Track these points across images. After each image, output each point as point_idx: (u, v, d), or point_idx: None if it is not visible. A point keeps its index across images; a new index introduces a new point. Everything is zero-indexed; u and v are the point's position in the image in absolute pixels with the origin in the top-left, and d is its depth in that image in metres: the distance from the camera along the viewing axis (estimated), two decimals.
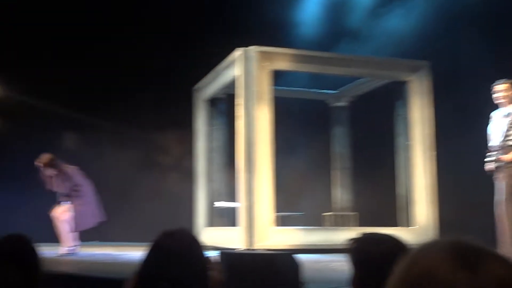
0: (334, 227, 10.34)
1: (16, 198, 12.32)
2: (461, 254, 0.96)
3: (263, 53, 9.23)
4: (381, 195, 11.22)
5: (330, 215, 11.16)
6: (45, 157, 8.59)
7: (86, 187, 8.77)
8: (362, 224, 10.43)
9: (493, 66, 9.48)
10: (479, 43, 10.55)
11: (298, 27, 11.41)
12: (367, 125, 11.85)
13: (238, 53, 9.33)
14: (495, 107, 6.96)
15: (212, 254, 2.23)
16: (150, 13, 12.71)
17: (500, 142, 6.68)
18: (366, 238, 2.02)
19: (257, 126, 8.94)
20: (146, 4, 12.99)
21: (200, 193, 11.35)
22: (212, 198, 11.16)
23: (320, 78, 11.15)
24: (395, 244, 1.85)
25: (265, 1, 12.29)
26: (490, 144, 6.86)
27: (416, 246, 1.04)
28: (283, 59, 9.44)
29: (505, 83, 6.79)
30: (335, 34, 11.33)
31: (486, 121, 7.18)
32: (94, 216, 8.83)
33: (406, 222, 9.77)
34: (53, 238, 8.97)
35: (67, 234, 8.59)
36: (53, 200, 8.79)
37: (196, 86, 11.56)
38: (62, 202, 8.65)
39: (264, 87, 9.13)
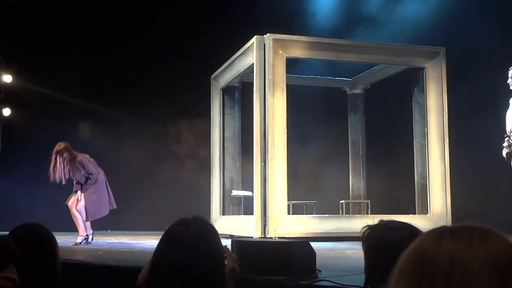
0: (347, 215, 10.32)
1: (30, 188, 12.42)
2: (456, 232, 1.00)
3: (278, 41, 9.21)
4: (395, 182, 11.19)
5: (343, 202, 11.15)
6: (61, 143, 8.61)
7: (99, 176, 8.79)
8: (375, 212, 10.40)
9: (510, 51, 9.37)
10: (495, 28, 10.44)
11: (314, 14, 11.34)
12: (381, 112, 11.80)
13: (253, 41, 9.31)
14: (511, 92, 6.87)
15: (226, 243, 2.23)
16: (167, 2, 12.69)
17: None
18: (381, 226, 2.00)
19: (271, 115, 8.92)
20: None
21: (215, 182, 11.38)
22: (227, 186, 11.19)
23: (337, 65, 11.09)
24: (410, 232, 1.82)
25: None
26: (507, 129, 6.78)
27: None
28: (298, 47, 9.41)
29: None
30: (351, 21, 11.25)
31: (503, 106, 7.10)
32: (106, 205, 8.84)
33: (421, 209, 9.73)
34: (69, 227, 9.01)
35: (82, 223, 8.62)
36: (69, 189, 8.82)
37: (214, 74, 11.56)
38: (76, 191, 8.67)
39: (280, 75, 9.11)
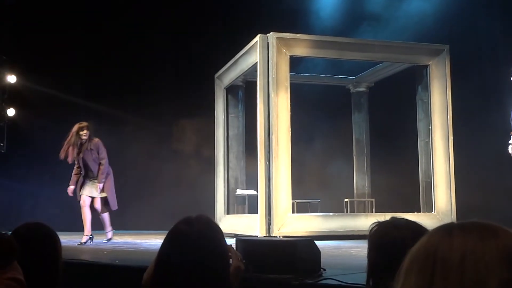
0: (352, 214, 10.31)
1: (34, 187, 12.44)
2: (465, 227, 1.01)
3: (282, 39, 9.21)
4: (399, 180, 11.17)
5: (347, 201, 11.14)
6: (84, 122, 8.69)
7: (110, 170, 8.83)
8: (380, 210, 10.39)
9: None
10: (499, 25, 10.42)
11: (317, 13, 11.33)
12: (385, 110, 11.79)
13: (257, 39, 9.31)
14: None
15: (231, 242, 2.22)
16: (169, 1, 12.69)
17: None
18: (386, 223, 1.99)
19: (275, 114, 8.92)
20: None
21: (220, 181, 11.39)
22: (231, 185, 11.20)
23: (341, 63, 11.08)
24: (414, 230, 1.82)
25: None
26: None
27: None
28: (302, 45, 9.41)
29: None
30: (355, 19, 11.23)
31: (506, 103, 7.08)
32: (116, 201, 8.87)
33: (426, 207, 9.72)
34: (74, 227, 9.01)
35: (89, 223, 8.63)
36: (79, 187, 8.79)
37: (218, 73, 11.56)
38: (84, 182, 8.64)
39: (283, 74, 9.11)
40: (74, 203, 9.12)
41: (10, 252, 2.25)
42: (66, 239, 8.57)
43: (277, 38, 9.16)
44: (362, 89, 12.02)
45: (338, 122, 12.29)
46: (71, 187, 8.67)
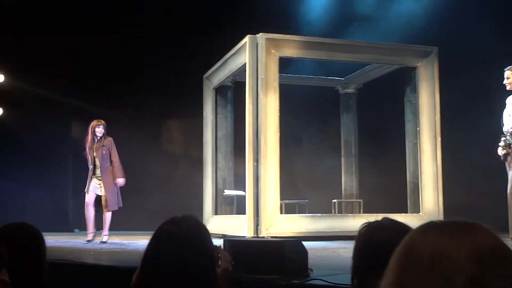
0: (340, 214, 10.34)
1: (23, 187, 12.37)
2: (441, 226, 1.04)
3: (271, 40, 9.21)
4: (387, 181, 11.21)
5: (335, 202, 11.17)
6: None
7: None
8: (368, 211, 10.42)
9: (504, 50, 9.40)
10: (488, 27, 10.48)
11: (307, 13, 11.34)
12: (374, 111, 11.83)
13: (246, 40, 9.31)
14: (507, 91, 6.88)
15: (219, 242, 2.22)
16: (159, 2, 12.67)
17: (510, 128, 6.62)
18: (373, 224, 2.00)
19: (263, 114, 8.93)
20: None
21: (208, 181, 11.37)
22: (219, 186, 11.19)
23: (330, 64, 11.10)
24: (400, 230, 1.82)
25: None
26: (503, 129, 6.80)
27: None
28: (291, 46, 9.42)
29: (509, 70, 6.71)
30: (344, 20, 11.26)
31: (495, 105, 7.11)
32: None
33: (413, 208, 9.75)
34: (62, 227, 8.99)
35: (93, 221, 8.80)
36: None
37: (206, 74, 11.55)
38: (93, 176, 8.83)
39: (272, 74, 9.11)
40: (61, 203, 9.12)
41: None
42: (53, 240, 8.54)
43: (266, 38, 9.16)
44: (350, 90, 12.05)
45: (326, 123, 12.31)
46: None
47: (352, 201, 11.50)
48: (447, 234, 1.02)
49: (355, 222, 8.35)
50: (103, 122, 8.95)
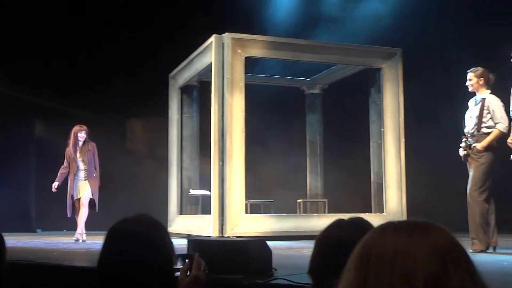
0: (305, 214, 10.39)
1: None
2: (399, 227, 1.08)
3: (236, 40, 9.20)
4: (352, 181, 11.30)
5: (300, 201, 11.22)
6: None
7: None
8: (333, 210, 10.49)
9: (466, 52, 9.56)
10: (451, 29, 10.63)
11: (273, 14, 11.37)
12: (339, 112, 11.91)
13: (211, 40, 9.29)
14: (469, 93, 7.00)
15: (183, 242, 2.21)
16: (124, 2, 12.56)
17: (471, 130, 6.72)
18: (332, 224, 2.02)
19: (229, 114, 8.92)
20: None
21: (173, 181, 11.32)
22: (185, 186, 11.14)
23: (296, 65, 11.14)
24: (359, 229, 1.83)
25: None
26: (465, 130, 6.90)
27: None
28: (256, 46, 9.42)
29: (474, 71, 6.83)
30: (310, 21, 11.31)
31: (458, 106, 7.21)
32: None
33: (377, 208, 9.84)
34: (24, 227, 8.87)
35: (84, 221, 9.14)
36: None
37: (172, 73, 11.49)
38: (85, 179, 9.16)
39: (238, 74, 9.11)
40: (26, 204, 9.01)
41: None
42: (15, 240, 8.42)
43: (232, 38, 9.15)
44: (316, 90, 12.11)
45: (292, 123, 12.36)
46: (56, 183, 9.26)
47: (317, 201, 11.56)
48: (407, 234, 1.05)
49: (320, 222, 8.41)
50: (85, 127, 9.30)
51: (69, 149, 9.22)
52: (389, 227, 1.08)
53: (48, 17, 12.30)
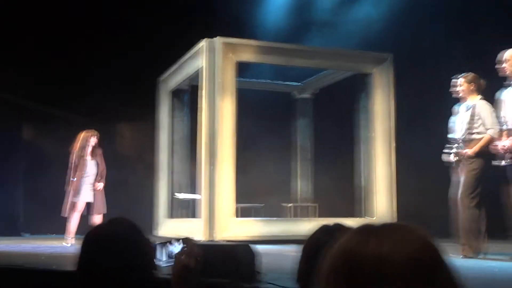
0: (294, 218, 10.38)
1: None
2: (379, 231, 1.06)
3: (227, 44, 9.19)
4: (342, 186, 11.29)
5: (291, 206, 11.20)
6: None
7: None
8: (323, 215, 10.48)
9: (456, 57, 9.58)
10: (442, 34, 10.66)
11: (265, 19, 11.37)
12: (330, 117, 11.91)
13: (202, 44, 9.27)
14: (456, 99, 7.01)
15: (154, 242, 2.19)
16: (112, 5, 12.51)
17: (462, 136, 6.73)
18: (318, 229, 2.01)
19: (220, 118, 8.90)
20: None
21: (162, 185, 11.28)
22: (173, 190, 11.10)
23: (286, 70, 11.15)
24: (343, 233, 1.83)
25: None
26: (451, 136, 6.91)
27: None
28: (247, 51, 9.41)
29: (465, 77, 6.84)
30: (302, 26, 11.32)
31: (447, 112, 7.22)
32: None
33: (367, 212, 9.83)
34: (6, 231, 8.80)
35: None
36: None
37: (161, 77, 11.45)
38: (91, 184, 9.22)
39: (229, 79, 9.09)
40: (10, 207, 8.94)
41: None
42: (3, 244, 8.37)
43: (223, 42, 9.14)
44: (307, 95, 12.11)
45: (283, 128, 12.34)
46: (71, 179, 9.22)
47: (308, 205, 11.55)
48: (387, 239, 1.03)
49: (310, 226, 8.32)
50: (97, 132, 9.40)
51: (77, 153, 9.23)
52: (369, 232, 1.06)
53: (31, 21, 12.21)
